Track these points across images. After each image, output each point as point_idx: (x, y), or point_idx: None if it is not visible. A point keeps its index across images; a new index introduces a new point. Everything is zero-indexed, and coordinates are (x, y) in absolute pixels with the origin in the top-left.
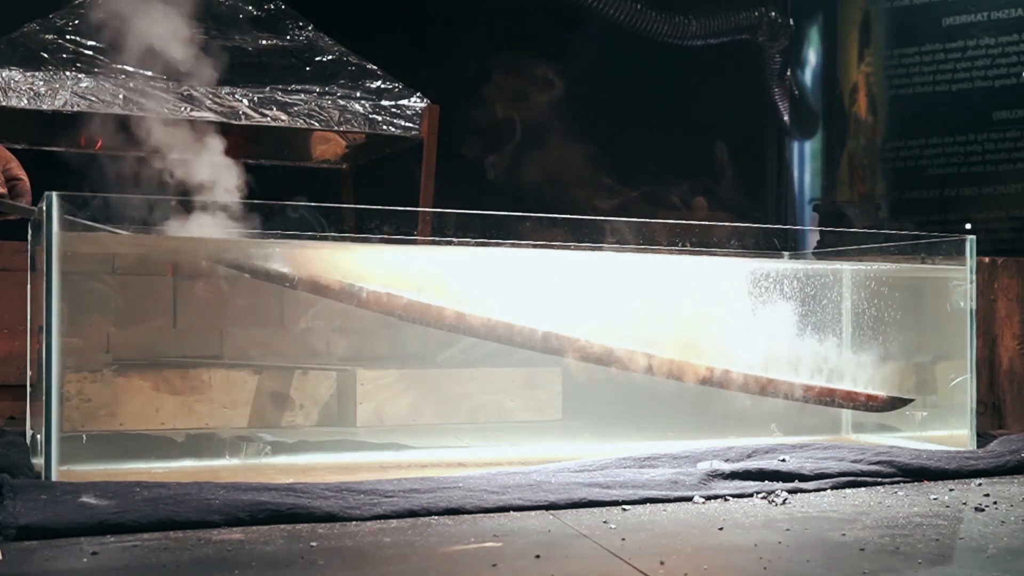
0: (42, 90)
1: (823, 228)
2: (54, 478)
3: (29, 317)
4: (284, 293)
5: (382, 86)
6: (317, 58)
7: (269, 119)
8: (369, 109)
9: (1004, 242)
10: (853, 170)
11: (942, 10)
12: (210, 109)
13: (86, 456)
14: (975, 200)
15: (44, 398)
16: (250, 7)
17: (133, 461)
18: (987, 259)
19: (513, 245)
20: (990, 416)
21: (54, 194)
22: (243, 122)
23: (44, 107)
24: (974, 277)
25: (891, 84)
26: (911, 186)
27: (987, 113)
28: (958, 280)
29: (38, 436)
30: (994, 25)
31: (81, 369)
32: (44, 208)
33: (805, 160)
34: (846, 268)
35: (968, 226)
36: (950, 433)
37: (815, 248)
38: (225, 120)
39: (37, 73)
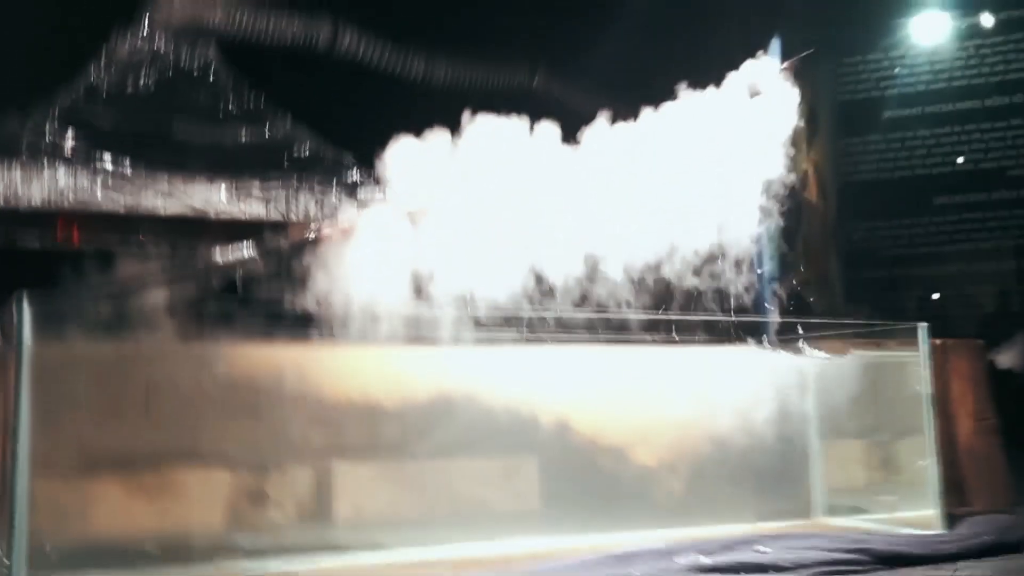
0: (20, 184)
1: (783, 316)
2: None
3: None
4: (260, 386)
5: (358, 178)
6: (294, 150)
7: (246, 212)
8: (345, 200)
9: (953, 319)
10: (808, 252)
11: (881, 105)
12: (187, 203)
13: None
14: (923, 279)
15: (10, 507)
16: (230, 101)
17: (105, 573)
18: (939, 341)
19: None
20: (953, 493)
21: (24, 296)
22: (220, 216)
23: (20, 205)
24: (929, 364)
25: (839, 172)
26: (864, 267)
27: (928, 199)
28: (914, 365)
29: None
30: (929, 118)
31: (51, 473)
32: (15, 311)
33: (763, 242)
34: (809, 358)
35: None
36: (918, 514)
37: (776, 331)
38: (202, 214)
39: (14, 168)
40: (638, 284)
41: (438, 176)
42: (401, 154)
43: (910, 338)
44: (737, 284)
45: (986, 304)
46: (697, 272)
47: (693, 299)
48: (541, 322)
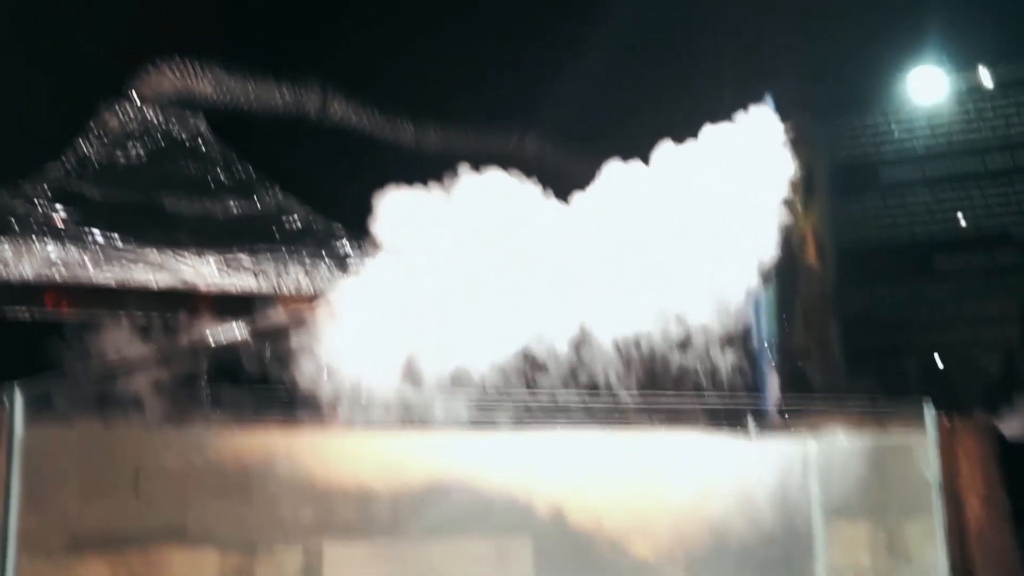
0: (10, 258)
1: (783, 390)
2: None
3: None
4: (250, 469)
5: (348, 247)
6: (285, 221)
7: (236, 284)
8: (336, 270)
9: (957, 384)
10: (807, 315)
11: (879, 165)
12: (177, 276)
13: None
14: (926, 345)
15: None
16: (219, 172)
17: None
18: (946, 420)
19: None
20: None
21: (16, 387)
22: (211, 288)
23: (12, 275)
24: (936, 448)
25: (837, 234)
26: (863, 331)
27: (929, 261)
28: (920, 445)
29: None
30: (929, 179)
31: (39, 552)
32: (7, 401)
33: (760, 305)
34: (812, 439)
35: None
36: None
37: (777, 405)
38: (192, 286)
39: (4, 242)
40: (628, 360)
41: (429, 240)
42: (392, 212)
43: (915, 413)
44: (730, 359)
45: (992, 369)
46: (689, 345)
47: (687, 376)
48: (534, 404)
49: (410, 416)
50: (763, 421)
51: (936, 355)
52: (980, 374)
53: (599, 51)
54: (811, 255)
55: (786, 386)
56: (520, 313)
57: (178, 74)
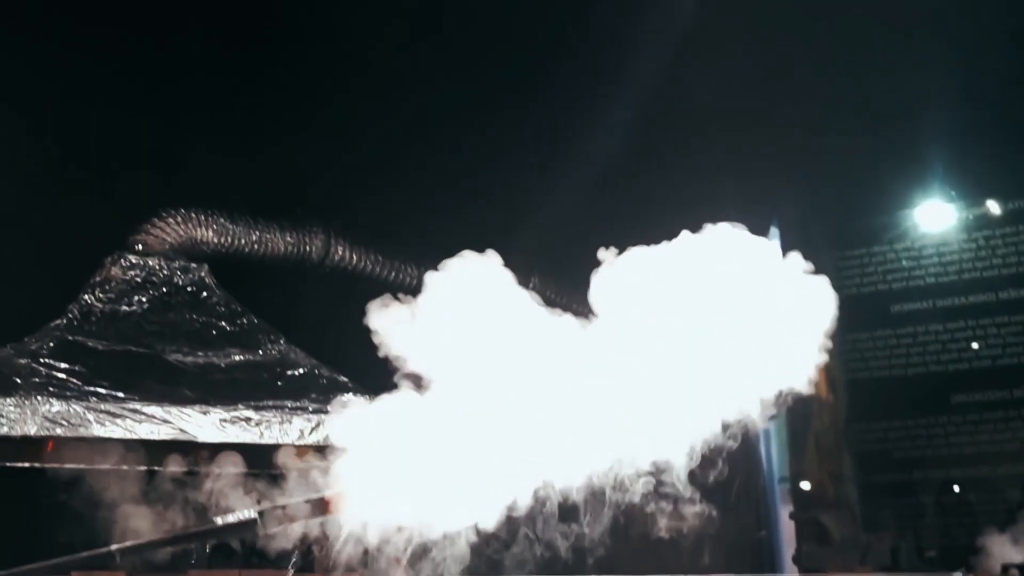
0: (13, 415)
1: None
2: None
3: None
4: None
5: (353, 399)
6: (289, 372)
7: (240, 437)
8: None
9: (977, 525)
10: (819, 449)
11: (889, 298)
12: (180, 429)
13: None
14: (944, 482)
15: None
16: (223, 323)
17: None
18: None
19: None
20: None
21: None
22: (214, 440)
23: (15, 432)
24: None
25: (848, 368)
26: (878, 468)
27: (944, 397)
28: None
29: None
30: (941, 313)
31: None
32: None
33: (771, 437)
34: None
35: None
36: None
37: (793, 557)
38: (193, 439)
39: (8, 399)
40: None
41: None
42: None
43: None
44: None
45: (1013, 506)
46: (698, 499)
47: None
48: None
49: None
50: None
51: (953, 491)
52: (1000, 512)
53: (601, 185)
54: (822, 387)
55: (802, 535)
56: (527, 470)
57: (181, 223)
